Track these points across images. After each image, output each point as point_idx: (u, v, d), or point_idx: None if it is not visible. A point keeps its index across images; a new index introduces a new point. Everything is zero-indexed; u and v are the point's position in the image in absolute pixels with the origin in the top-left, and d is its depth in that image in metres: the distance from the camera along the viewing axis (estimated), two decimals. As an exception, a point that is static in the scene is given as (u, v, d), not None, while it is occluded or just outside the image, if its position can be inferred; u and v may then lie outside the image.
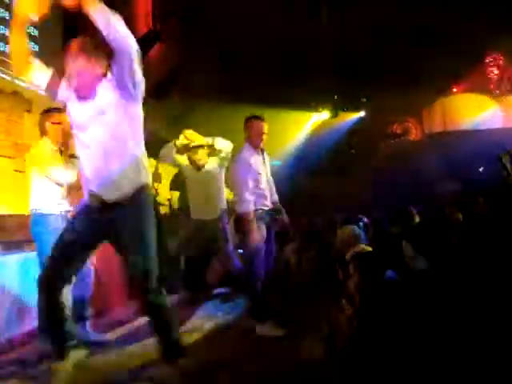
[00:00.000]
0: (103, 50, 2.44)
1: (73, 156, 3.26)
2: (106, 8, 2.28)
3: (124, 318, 4.29)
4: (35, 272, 3.49)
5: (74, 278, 2.59)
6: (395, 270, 2.75)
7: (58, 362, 2.57)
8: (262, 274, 3.78)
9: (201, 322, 4.09)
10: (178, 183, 5.30)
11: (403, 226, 4.33)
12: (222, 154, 4.22)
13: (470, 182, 9.63)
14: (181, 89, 8.83)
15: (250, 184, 3.76)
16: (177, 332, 2.68)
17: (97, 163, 2.47)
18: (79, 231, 2.53)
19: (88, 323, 3.53)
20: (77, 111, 2.50)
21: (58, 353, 2.58)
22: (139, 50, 2.37)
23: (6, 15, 4.59)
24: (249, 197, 3.73)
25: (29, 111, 4.53)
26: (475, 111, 11.53)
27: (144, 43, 7.20)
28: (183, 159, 4.48)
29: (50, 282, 2.51)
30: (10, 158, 3.95)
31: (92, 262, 3.48)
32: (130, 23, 7.71)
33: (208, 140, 4.29)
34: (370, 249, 3.26)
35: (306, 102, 11.57)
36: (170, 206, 5.71)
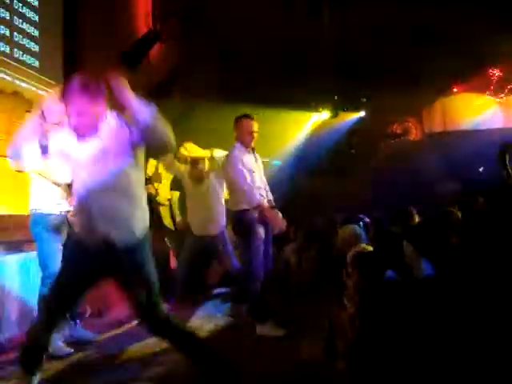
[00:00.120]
0: (104, 88, 2.38)
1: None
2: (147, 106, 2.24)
3: (124, 318, 4.29)
4: (35, 272, 3.50)
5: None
6: (395, 270, 2.75)
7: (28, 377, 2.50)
8: (261, 274, 3.78)
9: (201, 322, 4.09)
10: (178, 183, 5.30)
11: (403, 225, 4.33)
12: (220, 163, 4.24)
13: (470, 182, 9.63)
14: (181, 89, 8.82)
15: (248, 177, 3.77)
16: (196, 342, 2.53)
17: (106, 203, 2.37)
18: (79, 271, 2.44)
19: (78, 322, 3.61)
20: (79, 151, 2.39)
21: (30, 369, 2.51)
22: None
23: (7, 15, 4.58)
24: (250, 188, 3.74)
25: (29, 111, 4.52)
26: (475, 111, 11.52)
27: (144, 43, 7.21)
28: (184, 171, 4.50)
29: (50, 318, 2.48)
30: (10, 157, 3.95)
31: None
32: (130, 23, 7.73)
33: (207, 152, 4.31)
34: (370, 248, 3.26)
35: (305, 102, 11.57)
36: (170, 206, 5.71)
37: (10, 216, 4.13)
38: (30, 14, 4.90)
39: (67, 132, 2.44)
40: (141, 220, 2.42)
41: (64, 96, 2.40)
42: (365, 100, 11.79)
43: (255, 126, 3.91)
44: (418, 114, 12.43)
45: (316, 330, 3.43)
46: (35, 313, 3.42)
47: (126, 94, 2.22)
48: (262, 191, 3.93)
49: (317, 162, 12.24)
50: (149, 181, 5.30)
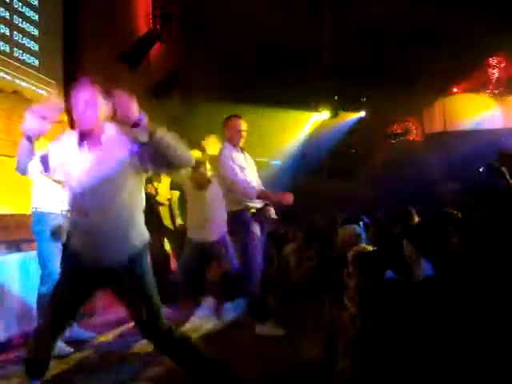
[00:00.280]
0: (108, 99, 2.31)
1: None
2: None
3: (123, 318, 4.29)
4: (35, 271, 3.50)
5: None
6: (395, 270, 2.75)
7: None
8: (260, 274, 3.78)
9: (200, 322, 4.08)
10: (178, 183, 5.29)
11: (403, 225, 4.33)
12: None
13: (469, 182, 9.63)
14: (181, 89, 8.82)
15: (239, 171, 3.74)
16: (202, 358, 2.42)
17: (101, 222, 2.28)
18: (74, 283, 2.37)
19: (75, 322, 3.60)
20: (78, 161, 2.31)
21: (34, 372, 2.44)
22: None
23: (7, 15, 4.58)
24: (244, 179, 3.71)
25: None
26: (475, 111, 11.53)
27: (144, 43, 7.21)
28: (184, 174, 4.43)
29: (49, 333, 2.41)
30: (10, 157, 3.95)
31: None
32: (130, 23, 7.73)
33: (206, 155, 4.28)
34: (370, 248, 3.26)
35: (305, 102, 11.57)
36: (170, 205, 5.70)
37: (11, 215, 4.13)
38: (30, 14, 4.90)
39: (68, 139, 2.37)
40: (137, 239, 2.35)
41: (69, 95, 2.34)
42: (365, 100, 11.79)
43: (244, 125, 3.90)
44: (418, 114, 12.43)
45: (316, 330, 3.43)
46: (35, 312, 3.42)
47: (134, 109, 2.13)
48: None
49: (317, 162, 12.25)
50: (148, 180, 5.29)
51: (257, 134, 8.02)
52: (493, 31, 9.22)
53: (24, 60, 4.74)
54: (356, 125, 12.10)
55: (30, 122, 2.21)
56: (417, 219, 4.60)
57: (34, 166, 2.42)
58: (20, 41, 4.70)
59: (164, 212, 5.68)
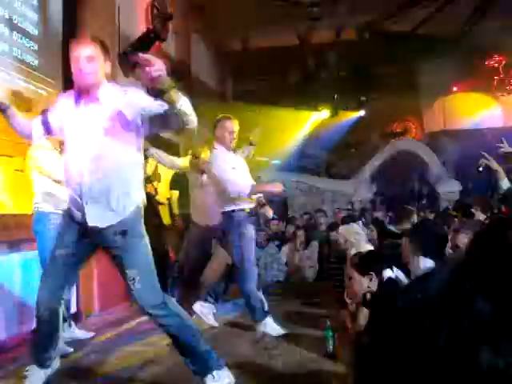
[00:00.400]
0: (109, 55, 2.36)
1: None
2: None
3: (124, 317, 4.29)
4: (36, 271, 3.50)
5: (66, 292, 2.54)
6: (395, 270, 2.75)
7: (38, 368, 2.49)
8: (255, 273, 3.79)
9: (200, 322, 4.08)
10: (178, 183, 5.30)
11: (403, 225, 4.33)
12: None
13: (469, 182, 9.64)
14: (181, 88, 8.81)
15: (231, 171, 3.73)
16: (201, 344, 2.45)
17: (95, 180, 2.29)
18: (68, 245, 2.39)
19: (72, 322, 3.66)
20: (76, 117, 2.33)
21: (41, 361, 2.49)
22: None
23: (6, 14, 4.58)
24: (235, 177, 3.70)
25: (28, 111, 4.52)
26: (475, 111, 11.52)
27: (144, 43, 7.19)
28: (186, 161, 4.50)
29: (49, 306, 2.44)
30: (10, 157, 3.95)
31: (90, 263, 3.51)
32: (130, 23, 7.71)
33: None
34: (371, 247, 3.26)
35: (305, 102, 11.57)
36: (170, 205, 5.70)
37: (12, 215, 4.12)
38: (30, 13, 4.89)
39: (66, 98, 2.40)
40: (131, 200, 2.35)
41: (70, 46, 2.34)
42: (365, 99, 11.79)
43: (235, 127, 3.87)
44: (418, 114, 12.43)
45: (316, 330, 3.44)
46: (35, 312, 3.41)
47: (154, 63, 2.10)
48: None
49: (317, 162, 12.25)
50: (148, 180, 5.29)
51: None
52: (493, 31, 9.23)
53: (23, 59, 4.73)
54: (356, 124, 12.09)
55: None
56: (417, 219, 4.61)
57: (37, 131, 2.48)
58: (19, 40, 4.70)
59: (163, 211, 5.69)
